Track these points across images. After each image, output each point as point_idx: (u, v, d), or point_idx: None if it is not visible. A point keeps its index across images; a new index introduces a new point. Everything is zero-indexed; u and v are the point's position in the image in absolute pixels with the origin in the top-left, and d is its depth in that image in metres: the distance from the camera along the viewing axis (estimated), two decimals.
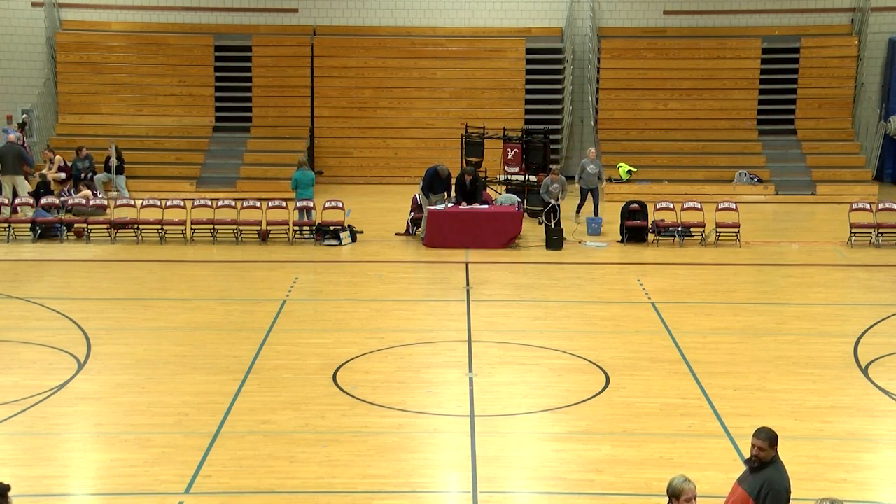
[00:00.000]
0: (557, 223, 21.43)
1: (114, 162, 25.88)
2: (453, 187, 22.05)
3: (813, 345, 14.90)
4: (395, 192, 26.32)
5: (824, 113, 29.18)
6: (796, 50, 29.16)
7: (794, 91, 29.21)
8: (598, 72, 29.34)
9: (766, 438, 7.50)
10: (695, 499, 7.19)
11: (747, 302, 17.56)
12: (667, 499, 7.26)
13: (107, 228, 21.91)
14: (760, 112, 29.15)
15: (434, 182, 21.66)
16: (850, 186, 26.96)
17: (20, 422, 11.83)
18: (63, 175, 25.22)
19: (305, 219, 22.01)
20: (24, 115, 28.22)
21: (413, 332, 15.49)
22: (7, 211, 22.46)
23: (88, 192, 24.29)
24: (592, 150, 22.30)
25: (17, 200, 22.83)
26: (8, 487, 7.47)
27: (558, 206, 21.67)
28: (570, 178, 29.02)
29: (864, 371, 13.75)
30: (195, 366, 13.78)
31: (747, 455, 7.65)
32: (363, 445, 11.20)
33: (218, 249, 21.20)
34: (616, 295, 17.96)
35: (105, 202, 23.36)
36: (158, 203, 22.29)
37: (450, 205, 21.64)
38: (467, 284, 18.29)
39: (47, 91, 29.08)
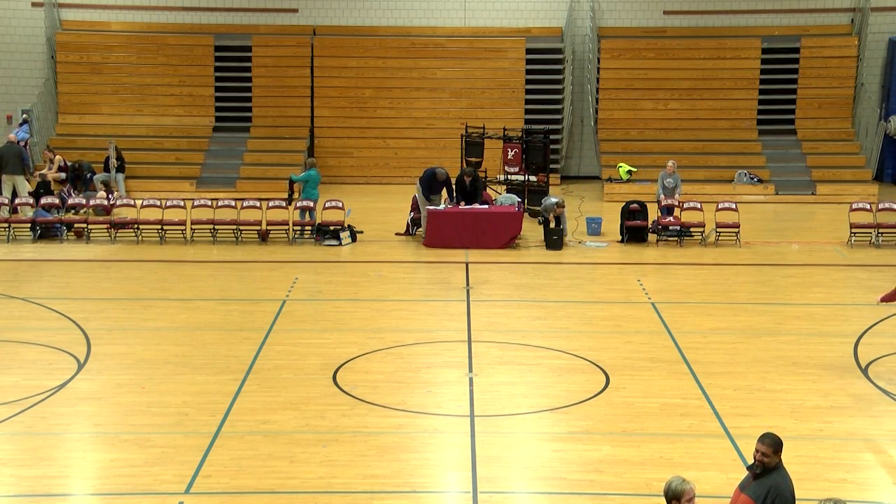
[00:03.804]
0: (557, 223, 21.43)
1: (113, 163, 25.87)
2: (453, 189, 22.00)
3: (813, 345, 14.90)
4: (395, 192, 26.32)
5: (824, 113, 29.18)
6: (796, 50, 29.16)
7: (794, 91, 29.20)
8: (598, 72, 29.33)
9: (771, 444, 7.47)
10: (694, 499, 7.18)
11: (747, 302, 17.56)
12: (664, 501, 7.24)
13: (107, 228, 21.91)
14: (760, 112, 29.14)
15: (432, 184, 21.68)
16: (850, 186, 26.95)
17: (20, 422, 11.83)
18: (63, 175, 25.20)
19: (306, 219, 22.01)
20: (25, 115, 28.22)
21: (413, 332, 15.49)
22: (7, 211, 22.46)
23: (104, 192, 24.27)
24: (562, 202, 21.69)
25: (17, 200, 22.81)
26: None
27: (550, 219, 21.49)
28: (569, 179, 29.24)
29: (864, 371, 13.75)
30: (195, 366, 13.78)
31: (748, 458, 7.63)
32: (363, 445, 11.20)
33: (218, 249, 21.20)
34: (616, 295, 17.96)
35: (106, 202, 23.37)
36: (158, 203, 22.28)
37: (450, 205, 21.65)
38: (467, 284, 18.29)
39: (47, 91, 29.08)
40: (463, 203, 21.57)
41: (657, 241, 21.50)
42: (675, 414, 12.20)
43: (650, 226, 21.69)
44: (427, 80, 29.31)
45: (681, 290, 18.21)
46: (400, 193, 25.19)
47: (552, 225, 21.33)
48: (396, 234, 22.31)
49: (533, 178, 24.22)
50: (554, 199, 21.71)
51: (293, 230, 21.84)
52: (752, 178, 27.27)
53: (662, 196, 22.12)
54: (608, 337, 15.32)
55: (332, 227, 21.64)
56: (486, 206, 21.83)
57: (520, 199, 23.03)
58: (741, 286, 18.68)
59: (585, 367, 13.85)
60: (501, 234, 21.08)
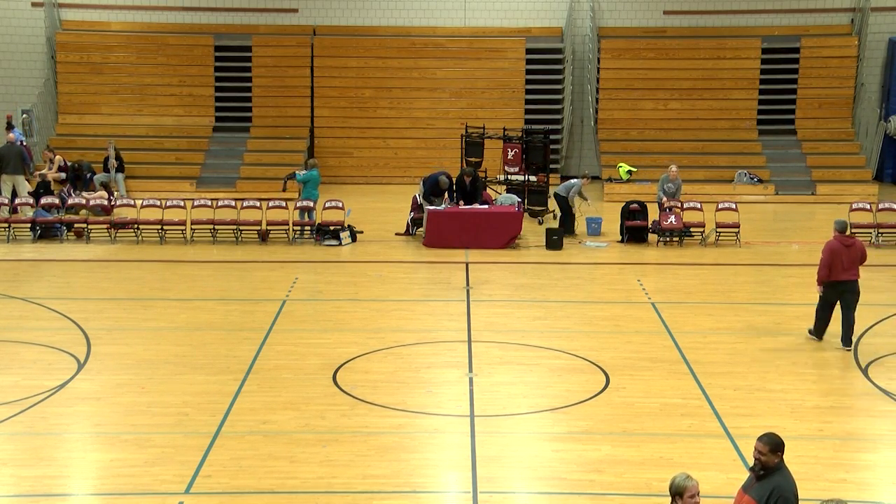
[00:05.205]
0: (562, 223, 21.47)
1: (112, 164, 25.86)
2: (454, 190, 22.01)
3: (813, 345, 14.89)
4: (395, 192, 26.32)
5: (824, 113, 29.19)
6: (796, 50, 29.17)
7: (794, 91, 29.22)
8: (598, 72, 29.34)
9: (768, 443, 7.45)
10: (698, 495, 7.20)
11: (747, 302, 17.56)
12: (670, 498, 7.27)
13: (107, 228, 21.91)
14: (760, 112, 29.16)
15: (434, 190, 21.70)
16: (850, 186, 26.96)
17: (20, 422, 11.82)
18: (63, 175, 25.20)
19: (306, 219, 22.01)
20: (24, 116, 28.20)
21: (413, 332, 15.49)
22: (7, 211, 22.45)
23: (104, 192, 24.27)
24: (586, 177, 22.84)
25: (17, 200, 22.81)
26: None
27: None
28: (569, 179, 29.16)
29: (864, 371, 13.75)
30: (195, 366, 13.78)
31: (749, 458, 7.63)
32: (363, 445, 11.20)
33: (218, 249, 21.20)
34: (616, 295, 17.96)
35: (106, 202, 23.37)
36: (158, 203, 22.28)
37: (450, 205, 21.64)
38: (467, 284, 18.29)
39: (47, 91, 29.09)
40: (463, 203, 21.58)
41: (657, 241, 21.50)
42: (675, 414, 12.20)
43: (650, 226, 21.68)
44: (427, 80, 29.32)
45: (681, 290, 18.21)
46: (400, 193, 25.20)
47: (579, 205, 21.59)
48: (396, 234, 22.31)
49: (533, 178, 24.22)
50: (573, 181, 22.00)
51: (293, 230, 21.84)
52: (752, 178, 27.28)
53: (664, 199, 22.08)
54: (608, 337, 15.32)
55: (332, 227, 21.64)
56: (486, 206, 21.83)
57: (520, 199, 23.04)
58: (741, 286, 18.68)
59: (585, 367, 13.85)
60: (501, 234, 21.07)
